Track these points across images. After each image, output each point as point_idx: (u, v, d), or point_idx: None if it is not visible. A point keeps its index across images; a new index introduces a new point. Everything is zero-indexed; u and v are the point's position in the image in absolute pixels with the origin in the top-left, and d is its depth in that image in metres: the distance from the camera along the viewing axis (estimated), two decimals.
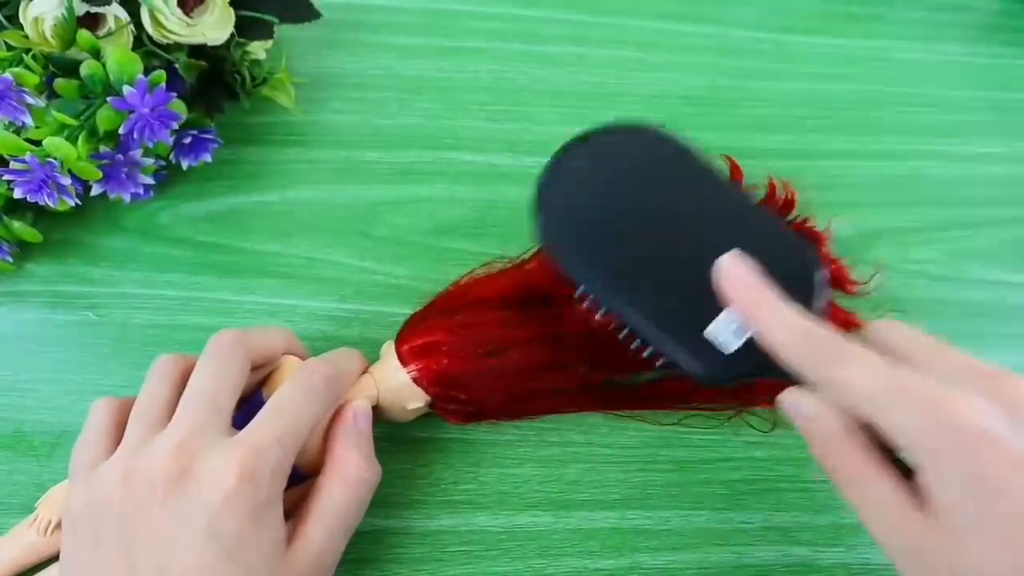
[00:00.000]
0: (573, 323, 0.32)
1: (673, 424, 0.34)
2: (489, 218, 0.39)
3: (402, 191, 0.40)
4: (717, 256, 0.26)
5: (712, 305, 0.26)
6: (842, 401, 0.23)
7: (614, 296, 0.27)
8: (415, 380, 0.30)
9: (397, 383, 0.30)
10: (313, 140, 0.41)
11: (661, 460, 0.33)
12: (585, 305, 0.29)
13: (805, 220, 0.39)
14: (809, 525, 0.32)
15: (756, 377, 0.26)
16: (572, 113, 0.43)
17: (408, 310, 0.36)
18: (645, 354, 0.28)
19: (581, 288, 0.28)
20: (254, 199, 0.39)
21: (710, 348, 0.26)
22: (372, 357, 0.31)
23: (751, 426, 0.34)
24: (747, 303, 0.25)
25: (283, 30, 0.39)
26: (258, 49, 0.38)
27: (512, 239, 0.38)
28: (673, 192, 0.29)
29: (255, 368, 0.28)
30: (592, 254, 0.28)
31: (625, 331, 0.28)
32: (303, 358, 0.30)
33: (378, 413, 0.30)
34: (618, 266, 0.27)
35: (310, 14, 0.39)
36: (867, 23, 0.50)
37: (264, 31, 0.37)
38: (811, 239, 0.38)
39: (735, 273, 0.26)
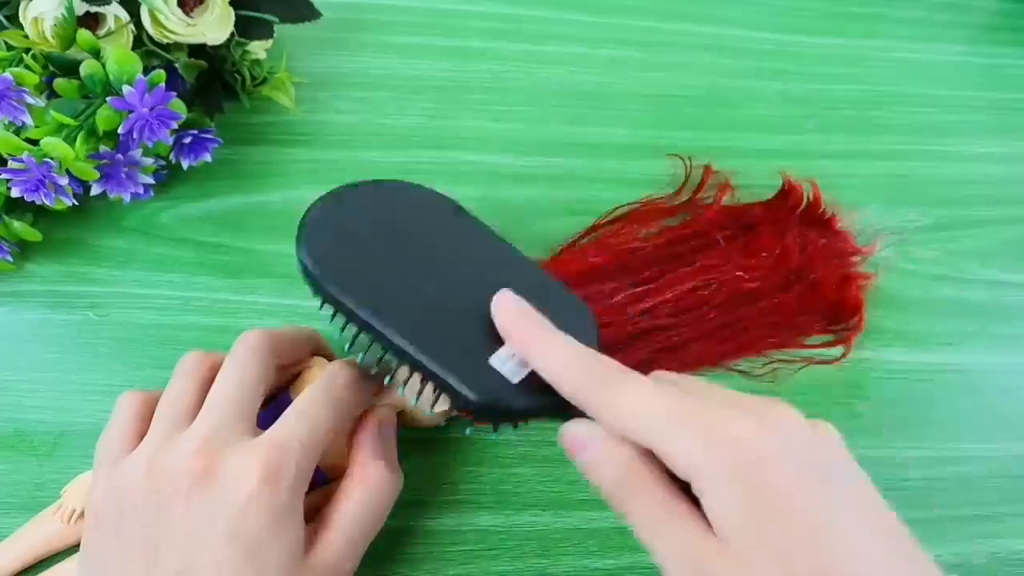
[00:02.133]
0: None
1: None
2: (489, 218, 0.39)
3: None
4: (493, 294, 0.26)
5: (495, 341, 0.25)
6: (622, 429, 0.22)
7: (391, 329, 0.25)
8: None
9: None
10: (314, 140, 0.41)
11: None
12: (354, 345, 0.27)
13: (831, 217, 0.39)
14: None
15: (541, 415, 0.25)
16: (572, 113, 0.43)
17: None
18: (425, 390, 0.26)
19: (353, 324, 0.26)
20: (255, 199, 0.39)
21: (498, 377, 0.25)
22: None
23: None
24: (522, 334, 0.25)
25: (283, 30, 0.39)
26: (258, 49, 0.38)
27: (512, 239, 0.38)
28: (443, 238, 0.29)
29: (282, 368, 0.28)
30: (364, 289, 0.26)
31: (401, 367, 0.26)
32: (331, 359, 0.30)
33: (404, 419, 0.30)
34: (392, 301, 0.26)
35: (310, 14, 0.39)
36: (867, 23, 0.51)
37: (264, 31, 0.37)
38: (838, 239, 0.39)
39: (509, 305, 0.25)
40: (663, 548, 0.21)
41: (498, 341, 0.25)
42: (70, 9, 0.31)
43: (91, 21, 0.33)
